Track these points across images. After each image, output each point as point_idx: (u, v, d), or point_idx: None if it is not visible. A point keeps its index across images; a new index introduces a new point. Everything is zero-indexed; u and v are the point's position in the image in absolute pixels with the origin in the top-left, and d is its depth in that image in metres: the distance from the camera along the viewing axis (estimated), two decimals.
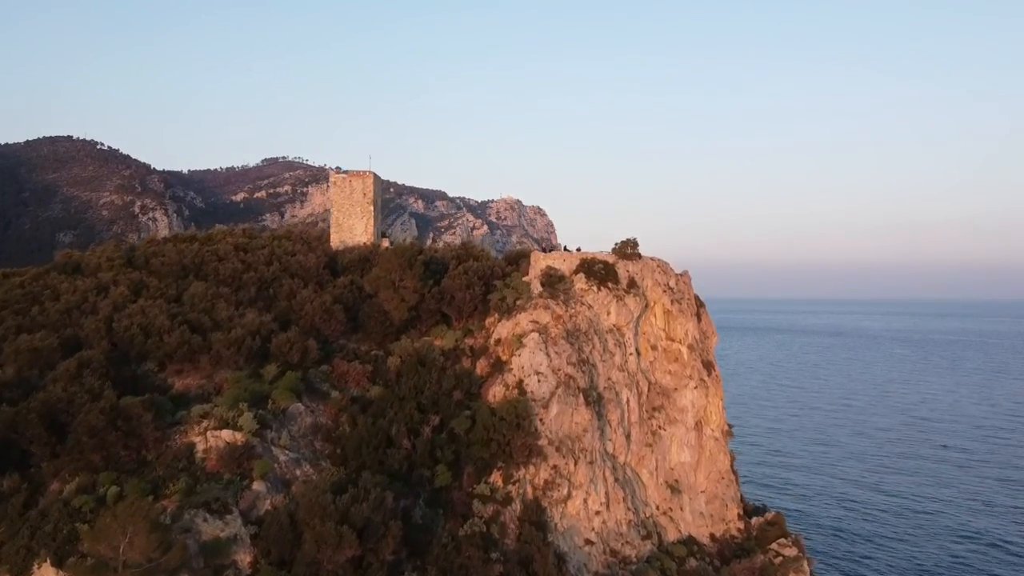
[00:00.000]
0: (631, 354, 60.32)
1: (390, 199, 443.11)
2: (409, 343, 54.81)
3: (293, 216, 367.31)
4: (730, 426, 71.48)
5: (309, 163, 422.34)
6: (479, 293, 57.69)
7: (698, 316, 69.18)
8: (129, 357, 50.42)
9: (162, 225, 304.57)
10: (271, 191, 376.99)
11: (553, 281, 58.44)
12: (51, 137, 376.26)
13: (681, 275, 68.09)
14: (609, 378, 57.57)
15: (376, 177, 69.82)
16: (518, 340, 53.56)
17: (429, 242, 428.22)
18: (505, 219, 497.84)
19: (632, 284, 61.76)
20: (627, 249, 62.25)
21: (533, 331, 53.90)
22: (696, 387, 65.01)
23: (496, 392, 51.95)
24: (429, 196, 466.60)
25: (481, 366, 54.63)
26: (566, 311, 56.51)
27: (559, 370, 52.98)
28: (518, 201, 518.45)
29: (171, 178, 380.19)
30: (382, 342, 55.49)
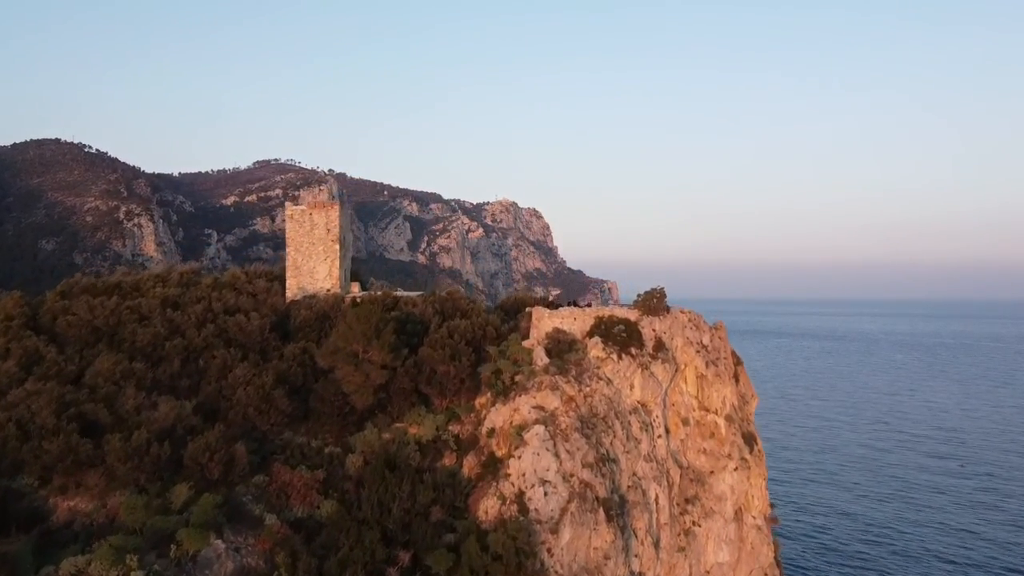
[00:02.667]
0: (659, 436, 46.84)
1: (384, 202, 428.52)
2: (375, 435, 41.22)
3: (284, 220, 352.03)
4: (773, 506, 58.28)
5: (302, 165, 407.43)
6: (467, 365, 44.04)
7: (736, 377, 55.77)
8: (0, 467, 36.94)
9: (147, 232, 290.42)
10: (262, 194, 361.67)
11: (561, 348, 44.83)
12: (38, 140, 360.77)
13: (715, 328, 54.62)
14: (634, 473, 44.04)
15: (343, 207, 56.06)
16: (518, 434, 39.97)
17: (424, 245, 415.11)
18: (501, 221, 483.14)
19: (660, 346, 48.21)
20: (653, 302, 48.65)
21: (537, 422, 40.30)
22: (736, 468, 51.64)
23: (489, 507, 38.38)
24: (424, 199, 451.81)
25: (469, 464, 41.06)
26: (579, 390, 42.88)
27: (572, 476, 39.39)
28: (514, 203, 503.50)
29: (160, 181, 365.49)
30: (340, 434, 41.88)
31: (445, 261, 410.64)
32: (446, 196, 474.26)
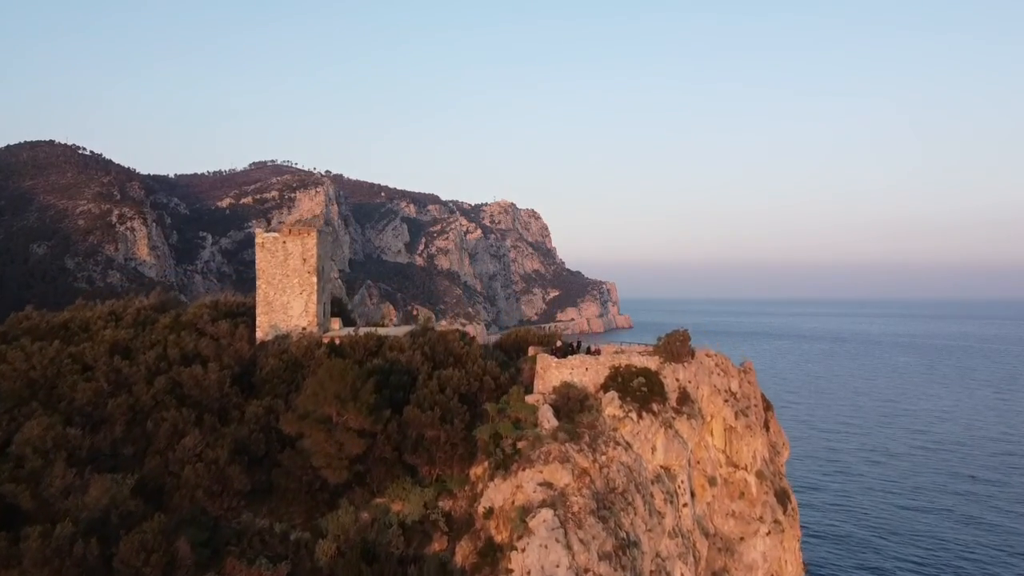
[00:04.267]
0: (684, 505, 39.96)
1: (381, 203, 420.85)
2: (351, 516, 34.23)
3: (280, 223, 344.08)
4: (806, 565, 51.50)
5: (298, 167, 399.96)
6: (460, 427, 37.08)
7: (766, 424, 48.90)
8: None
9: (140, 235, 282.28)
10: (258, 196, 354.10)
11: (571, 406, 37.89)
12: (32, 142, 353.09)
13: (743, 371, 47.70)
14: (657, 554, 37.17)
15: (321, 234, 49.01)
16: (521, 519, 33.03)
17: (421, 247, 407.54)
18: (499, 223, 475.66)
19: (684, 398, 41.30)
20: (675, 346, 41.68)
21: (545, 504, 33.36)
22: (768, 532, 44.78)
23: None
24: (421, 200, 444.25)
25: (463, 552, 34.14)
26: (593, 461, 35.92)
27: (587, 572, 32.48)
28: (512, 204, 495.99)
29: (155, 183, 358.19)
30: (309, 514, 34.87)
31: (443, 263, 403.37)
32: (444, 197, 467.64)
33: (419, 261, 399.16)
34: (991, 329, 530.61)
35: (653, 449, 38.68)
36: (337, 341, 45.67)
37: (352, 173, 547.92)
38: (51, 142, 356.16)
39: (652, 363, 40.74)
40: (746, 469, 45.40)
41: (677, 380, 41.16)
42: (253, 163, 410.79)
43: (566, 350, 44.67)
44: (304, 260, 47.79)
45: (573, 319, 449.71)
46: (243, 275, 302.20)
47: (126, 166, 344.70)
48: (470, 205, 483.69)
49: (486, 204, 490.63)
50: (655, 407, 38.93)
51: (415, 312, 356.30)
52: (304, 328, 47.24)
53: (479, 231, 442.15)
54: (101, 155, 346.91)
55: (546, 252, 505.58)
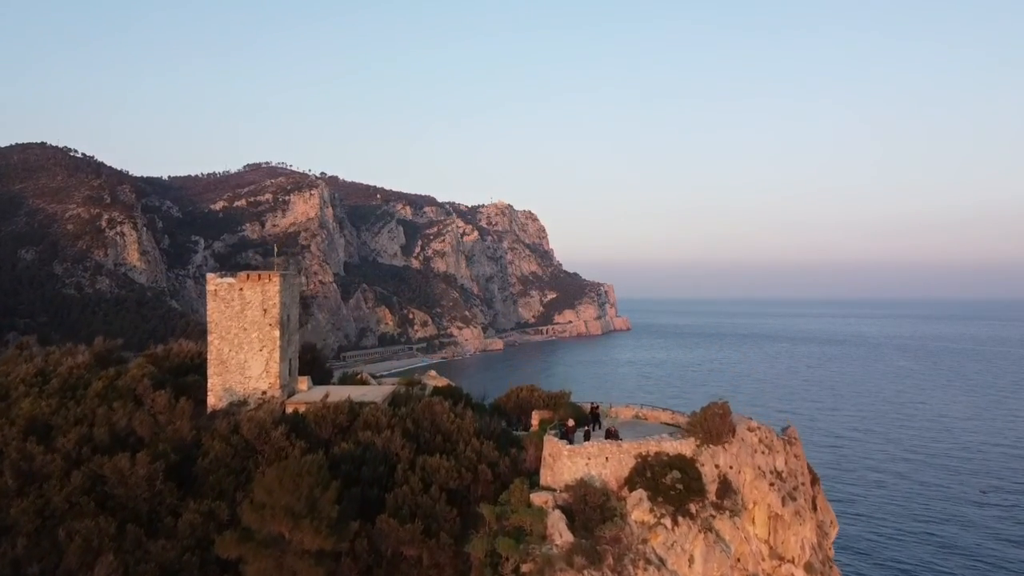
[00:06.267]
0: None
1: (377, 205, 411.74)
2: None
3: (274, 226, 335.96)
4: None
5: (293, 168, 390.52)
6: (448, 542, 28.91)
7: (814, 502, 40.85)
8: None
9: (130, 240, 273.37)
10: (251, 199, 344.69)
11: (590, 512, 29.73)
12: (23, 144, 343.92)
13: (788, 441, 39.56)
14: None
15: (285, 279, 40.75)
16: None
17: (418, 250, 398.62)
18: (496, 224, 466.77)
19: (725, 488, 33.17)
20: (714, 423, 33.51)
21: None
22: None
23: None
24: (417, 202, 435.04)
25: None
26: None
27: None
28: (509, 206, 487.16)
29: (148, 186, 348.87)
30: None
31: (439, 265, 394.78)
32: (440, 199, 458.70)
33: (415, 264, 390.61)
34: (991, 330, 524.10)
35: (691, 561, 30.60)
36: (303, 409, 37.53)
37: (347, 175, 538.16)
38: (43, 144, 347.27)
39: (687, 447, 32.61)
40: (793, 562, 37.36)
41: (717, 467, 33.06)
42: (247, 165, 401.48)
43: (575, 422, 36.44)
44: (265, 310, 39.53)
45: (571, 321, 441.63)
46: None
47: (118, 168, 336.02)
48: (467, 207, 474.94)
49: (483, 206, 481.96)
50: (693, 508, 30.84)
51: (411, 315, 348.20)
52: (265, 392, 39.01)
53: (476, 233, 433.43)
54: (93, 157, 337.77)
55: (543, 254, 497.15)
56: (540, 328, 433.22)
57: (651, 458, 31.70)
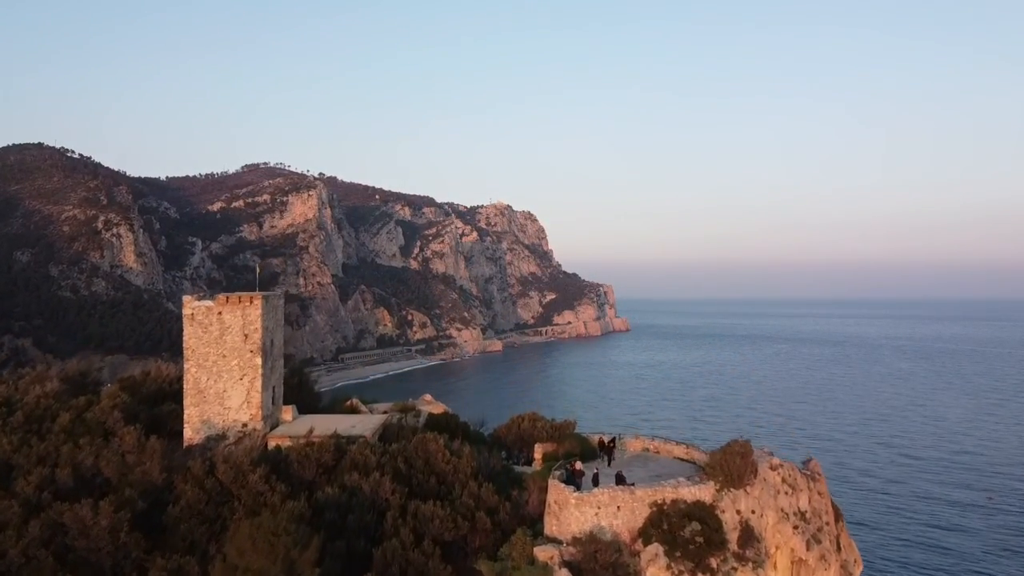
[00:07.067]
0: None
1: (376, 206, 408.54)
2: None
3: (272, 227, 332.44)
4: None
5: (291, 169, 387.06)
6: None
7: (838, 541, 37.86)
8: None
9: (127, 242, 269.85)
10: (249, 200, 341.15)
11: (598, 570, 26.70)
12: (20, 145, 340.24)
13: (812, 477, 36.54)
14: None
15: (268, 302, 37.76)
16: None
17: (417, 250, 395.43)
18: (495, 225, 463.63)
19: (747, 536, 30.15)
20: (735, 465, 30.49)
21: None
22: None
23: None
24: (416, 203, 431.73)
25: None
26: None
27: None
28: (508, 206, 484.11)
29: (145, 187, 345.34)
30: None
31: (438, 266, 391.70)
32: (439, 200, 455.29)
33: (414, 264, 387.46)
34: (990, 331, 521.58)
35: None
36: (286, 444, 34.50)
37: (346, 175, 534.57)
38: (39, 145, 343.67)
39: (706, 493, 29.59)
40: None
41: (739, 512, 30.06)
42: (245, 165, 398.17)
43: (585, 452, 33.45)
44: (246, 336, 36.50)
45: (570, 322, 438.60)
46: (233, 281, 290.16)
47: (116, 169, 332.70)
48: (466, 207, 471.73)
49: (482, 206, 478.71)
50: (714, 562, 27.82)
51: (410, 317, 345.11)
52: (245, 424, 35.99)
53: (475, 234, 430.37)
54: (90, 158, 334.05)
55: (543, 254, 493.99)
56: (539, 329, 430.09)
57: (667, 506, 28.68)
